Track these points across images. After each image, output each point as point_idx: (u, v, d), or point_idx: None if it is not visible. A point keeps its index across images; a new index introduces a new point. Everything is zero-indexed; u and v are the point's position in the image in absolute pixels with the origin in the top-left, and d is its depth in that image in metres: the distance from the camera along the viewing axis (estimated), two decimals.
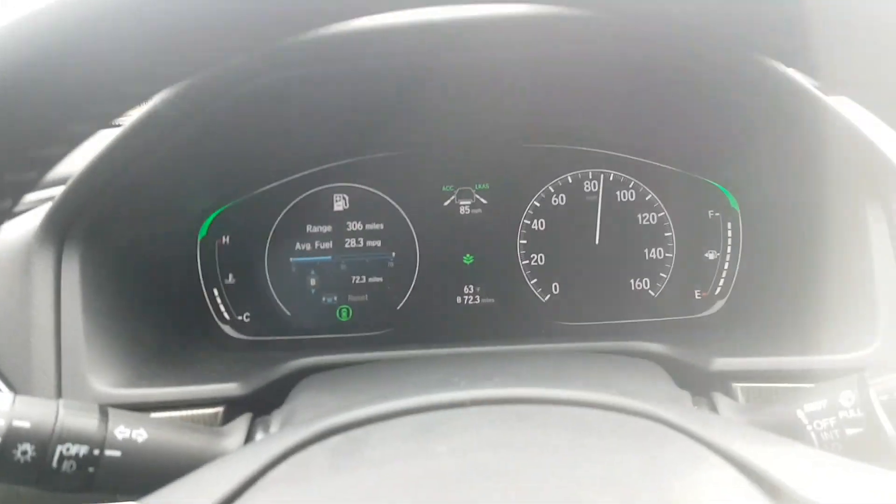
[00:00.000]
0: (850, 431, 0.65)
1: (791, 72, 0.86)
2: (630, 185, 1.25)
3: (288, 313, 1.25)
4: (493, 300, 1.27)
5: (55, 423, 0.64)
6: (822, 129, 0.90)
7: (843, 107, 0.88)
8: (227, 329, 1.23)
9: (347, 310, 1.26)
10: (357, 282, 1.26)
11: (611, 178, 1.25)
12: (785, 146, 1.01)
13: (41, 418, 0.63)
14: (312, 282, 1.26)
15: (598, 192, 1.25)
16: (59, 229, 0.91)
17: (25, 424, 0.62)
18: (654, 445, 0.47)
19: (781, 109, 0.91)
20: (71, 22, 0.39)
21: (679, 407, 0.54)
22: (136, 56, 0.40)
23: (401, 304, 1.26)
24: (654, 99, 1.08)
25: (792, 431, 0.66)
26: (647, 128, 1.19)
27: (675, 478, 0.42)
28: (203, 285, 1.22)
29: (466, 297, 1.27)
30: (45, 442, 0.63)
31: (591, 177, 1.25)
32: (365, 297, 1.26)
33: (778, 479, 0.41)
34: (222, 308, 1.23)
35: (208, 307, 1.23)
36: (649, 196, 1.25)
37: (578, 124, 1.22)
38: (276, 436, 0.53)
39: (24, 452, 0.62)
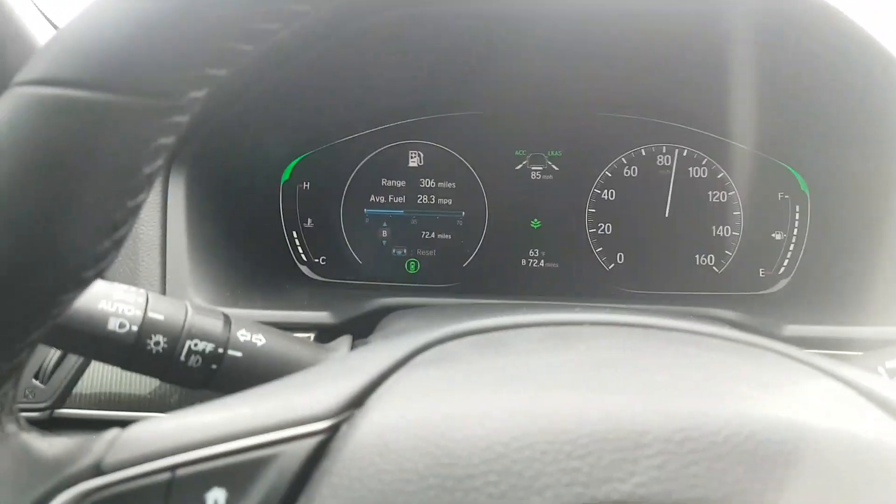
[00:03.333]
0: None
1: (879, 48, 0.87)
2: (703, 162, 1.27)
3: (360, 261, 1.29)
4: (556, 265, 1.30)
5: (185, 320, 0.68)
6: None
7: None
8: (304, 269, 1.27)
9: (416, 263, 1.30)
10: (426, 237, 1.30)
11: (684, 154, 1.27)
12: (859, 129, 1.02)
13: (173, 314, 0.67)
14: (384, 233, 1.30)
15: (671, 167, 1.27)
16: (168, 152, 0.95)
17: (160, 317, 0.66)
18: (772, 364, 0.50)
19: (859, 91, 0.93)
20: None
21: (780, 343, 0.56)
22: None
23: (467, 262, 1.30)
24: (734, 77, 1.10)
25: None
26: (724, 105, 1.21)
27: (795, 384, 0.45)
28: (284, 226, 1.27)
29: (531, 260, 1.30)
30: (175, 335, 0.66)
31: (664, 151, 1.28)
32: (433, 252, 1.30)
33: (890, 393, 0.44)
34: (300, 249, 1.28)
35: (288, 247, 1.27)
36: (721, 174, 1.27)
37: (656, 97, 1.24)
38: (413, 334, 0.56)
39: (157, 343, 0.66)
